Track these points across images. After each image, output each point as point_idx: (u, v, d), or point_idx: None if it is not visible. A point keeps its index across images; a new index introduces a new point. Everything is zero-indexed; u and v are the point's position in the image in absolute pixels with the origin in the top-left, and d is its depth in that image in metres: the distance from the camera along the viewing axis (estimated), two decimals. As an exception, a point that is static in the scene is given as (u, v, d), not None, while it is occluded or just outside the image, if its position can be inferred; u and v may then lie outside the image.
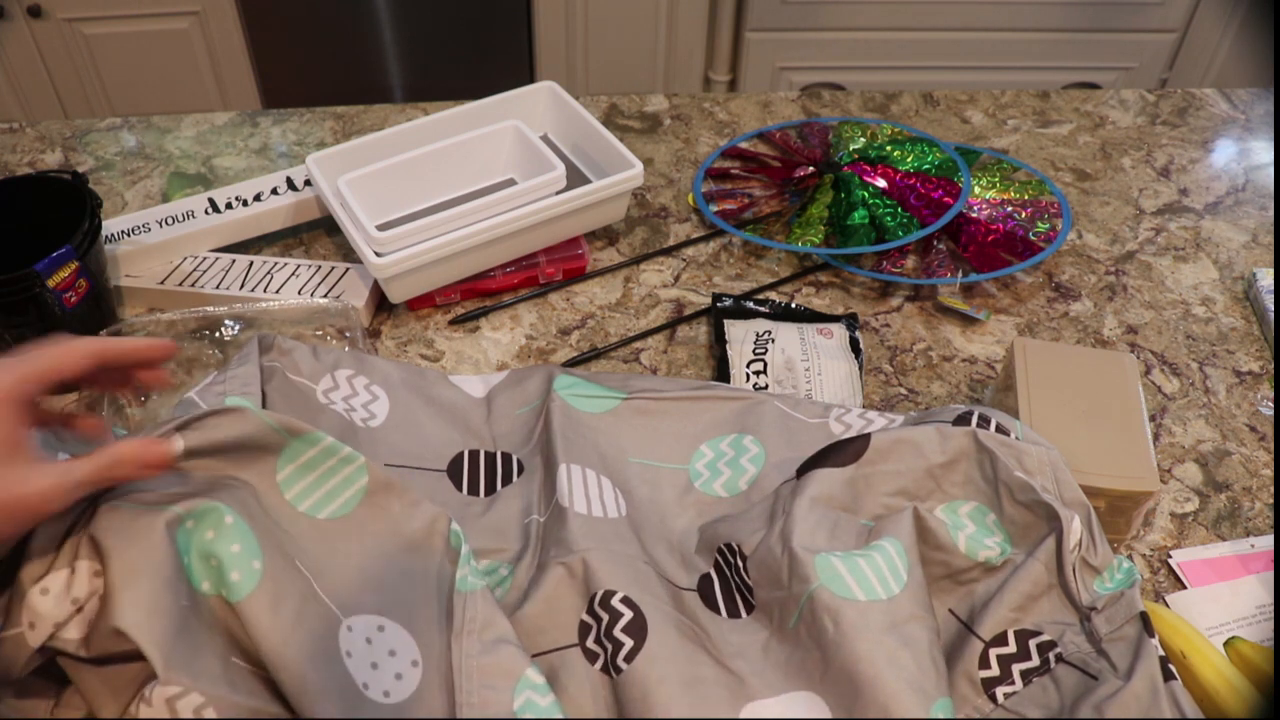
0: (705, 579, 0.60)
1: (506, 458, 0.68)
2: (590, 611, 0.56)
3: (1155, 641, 0.52)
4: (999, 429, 0.61)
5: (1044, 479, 0.58)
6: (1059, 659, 0.54)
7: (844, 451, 0.61)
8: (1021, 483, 0.58)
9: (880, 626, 0.52)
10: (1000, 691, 0.54)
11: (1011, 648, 0.55)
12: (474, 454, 0.68)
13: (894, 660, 0.51)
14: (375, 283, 0.82)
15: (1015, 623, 0.56)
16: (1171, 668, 0.52)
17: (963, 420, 0.62)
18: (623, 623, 0.55)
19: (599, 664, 0.55)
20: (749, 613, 0.58)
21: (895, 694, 0.50)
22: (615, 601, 0.55)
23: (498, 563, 0.61)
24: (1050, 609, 0.56)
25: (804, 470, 0.62)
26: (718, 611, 0.59)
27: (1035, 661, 0.54)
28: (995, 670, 0.55)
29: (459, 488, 0.66)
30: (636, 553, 0.59)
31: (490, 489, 0.66)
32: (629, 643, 0.54)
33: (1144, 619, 0.53)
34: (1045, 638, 0.55)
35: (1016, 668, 0.54)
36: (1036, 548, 0.57)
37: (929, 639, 0.53)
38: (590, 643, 0.56)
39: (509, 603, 0.58)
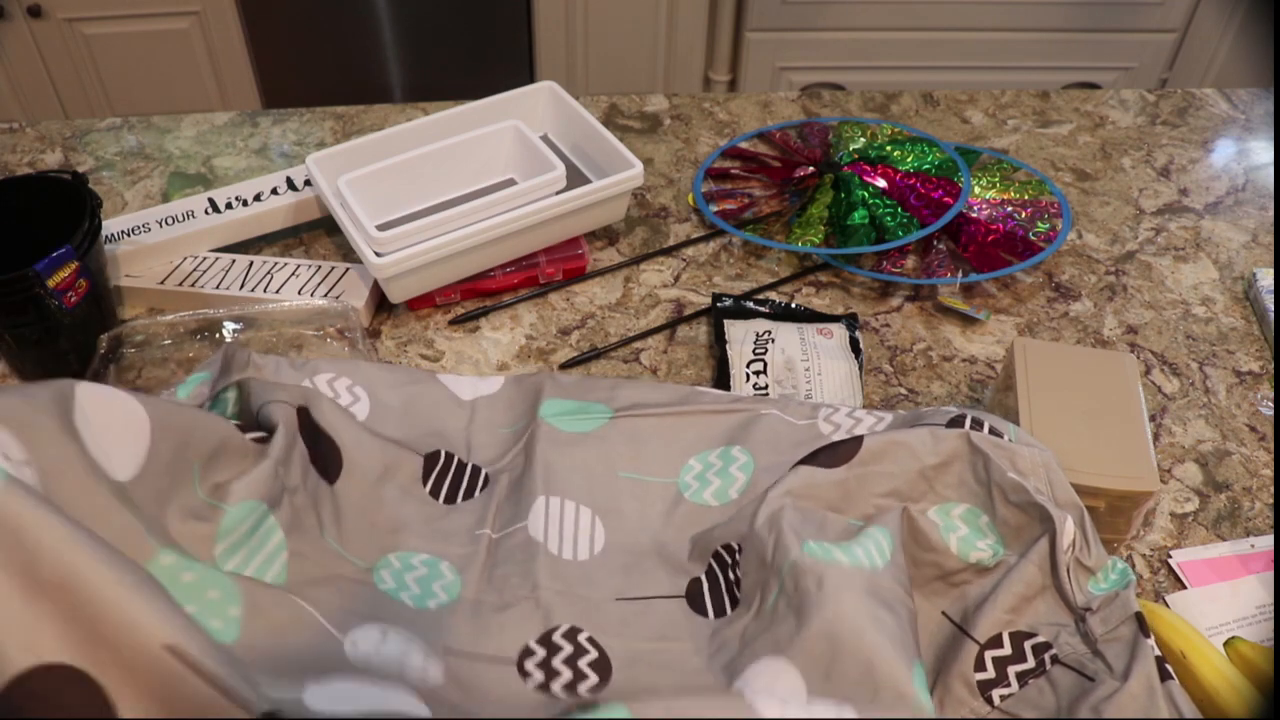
0: (695, 582, 0.60)
1: (475, 471, 0.67)
2: (544, 640, 0.56)
3: (1151, 641, 0.52)
4: (992, 431, 0.61)
5: (1037, 480, 0.58)
6: (1055, 660, 0.54)
7: (836, 453, 0.61)
8: (1014, 484, 0.58)
9: (863, 588, 0.52)
10: (996, 694, 0.54)
11: (1007, 650, 0.55)
12: (449, 457, 0.67)
13: (877, 619, 0.51)
14: (375, 283, 0.82)
15: (1010, 624, 0.56)
16: (1168, 667, 0.52)
17: (956, 423, 0.62)
18: (587, 659, 0.55)
19: (531, 683, 0.54)
20: (734, 607, 0.58)
21: (878, 648, 0.49)
22: (581, 638, 0.55)
23: (437, 559, 0.61)
24: (1045, 610, 0.56)
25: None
26: (704, 614, 0.59)
27: (1031, 663, 0.54)
28: (991, 673, 0.55)
29: (424, 483, 0.66)
30: (605, 595, 0.59)
31: (451, 498, 0.65)
32: (594, 677, 0.54)
33: (1139, 619, 0.53)
34: (1040, 639, 0.55)
35: (1012, 670, 0.54)
36: (1029, 549, 0.57)
37: (908, 614, 0.53)
38: (531, 665, 0.55)
39: (462, 606, 0.58)
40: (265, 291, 0.82)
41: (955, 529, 0.59)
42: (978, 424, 0.61)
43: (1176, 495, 0.72)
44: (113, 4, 1.75)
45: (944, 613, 0.58)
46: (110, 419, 0.50)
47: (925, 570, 0.59)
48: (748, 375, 0.75)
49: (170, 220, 0.86)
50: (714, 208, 0.94)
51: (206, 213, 0.87)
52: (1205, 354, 0.83)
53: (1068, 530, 0.56)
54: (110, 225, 0.85)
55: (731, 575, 0.59)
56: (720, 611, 0.58)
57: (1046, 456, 0.60)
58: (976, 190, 0.95)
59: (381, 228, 0.83)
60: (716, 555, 0.60)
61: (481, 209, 0.80)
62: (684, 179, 0.99)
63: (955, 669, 0.55)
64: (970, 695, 0.54)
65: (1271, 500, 0.71)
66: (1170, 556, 0.67)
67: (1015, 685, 0.54)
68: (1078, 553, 0.56)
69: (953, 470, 0.60)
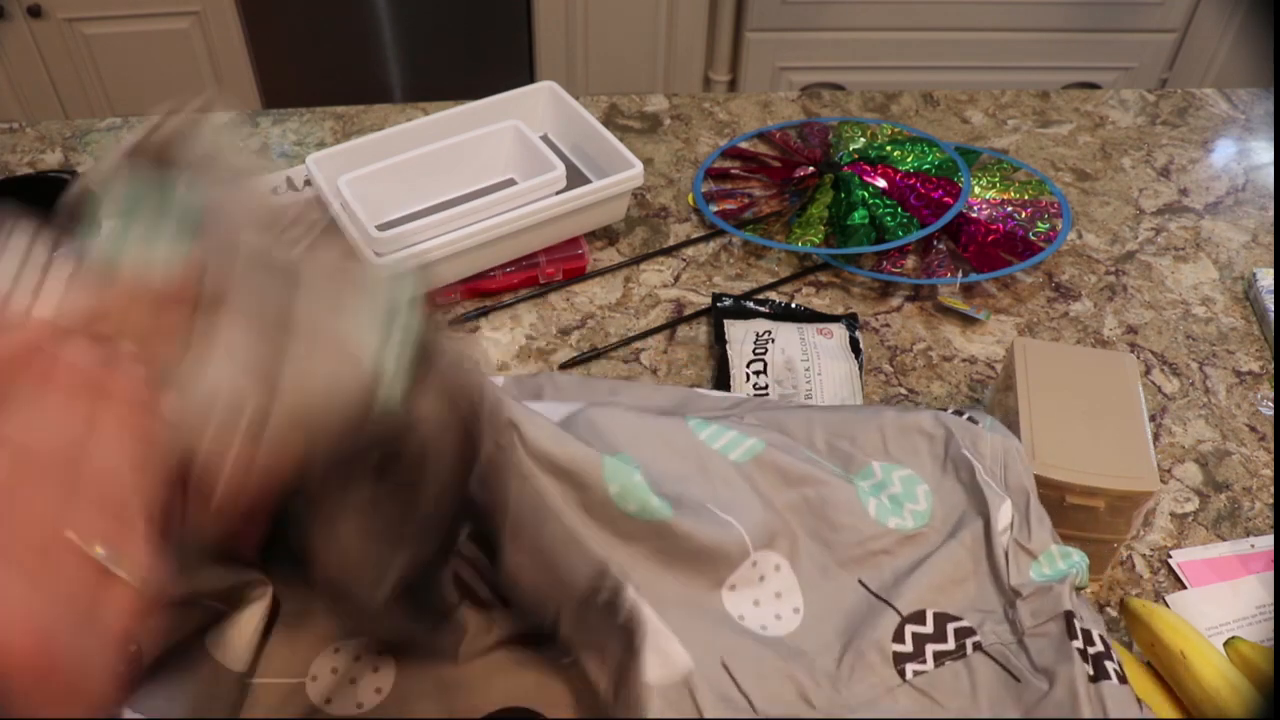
0: None
1: None
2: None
3: (1078, 643, 0.51)
4: (970, 419, 0.61)
5: (994, 463, 0.58)
6: (977, 647, 0.53)
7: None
8: (966, 461, 0.58)
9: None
10: (910, 668, 0.53)
11: (928, 628, 0.54)
12: None
13: None
14: (375, 283, 0.82)
15: (934, 604, 0.55)
16: (1108, 665, 0.50)
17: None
18: None
19: None
20: None
21: None
22: None
23: None
24: (971, 596, 0.55)
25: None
26: None
27: (950, 645, 0.53)
28: (909, 646, 0.53)
29: None
30: None
31: None
32: None
33: (1068, 618, 0.52)
34: (964, 624, 0.54)
35: (930, 648, 0.53)
36: (959, 530, 0.56)
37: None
38: None
39: None
40: (265, 291, 0.82)
41: (880, 491, 0.59)
42: (958, 413, 0.62)
43: (1176, 495, 0.72)
44: (113, 4, 1.75)
45: (860, 580, 0.56)
46: None
47: (843, 535, 0.57)
48: (748, 375, 0.75)
49: (170, 220, 0.86)
50: (714, 208, 0.94)
51: (206, 213, 0.87)
52: (1205, 354, 0.83)
53: (1004, 513, 0.56)
54: (110, 225, 0.85)
55: None
56: None
57: (1010, 443, 0.60)
58: (976, 190, 0.95)
59: (381, 228, 0.83)
60: None
61: (481, 209, 0.80)
62: (684, 179, 0.99)
63: (871, 636, 0.53)
64: (883, 664, 0.53)
65: (1271, 500, 0.71)
66: (1170, 556, 0.67)
67: (931, 664, 0.53)
68: (1016, 534, 0.56)
69: (911, 437, 0.61)
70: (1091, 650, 0.51)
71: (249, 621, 0.50)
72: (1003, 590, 0.55)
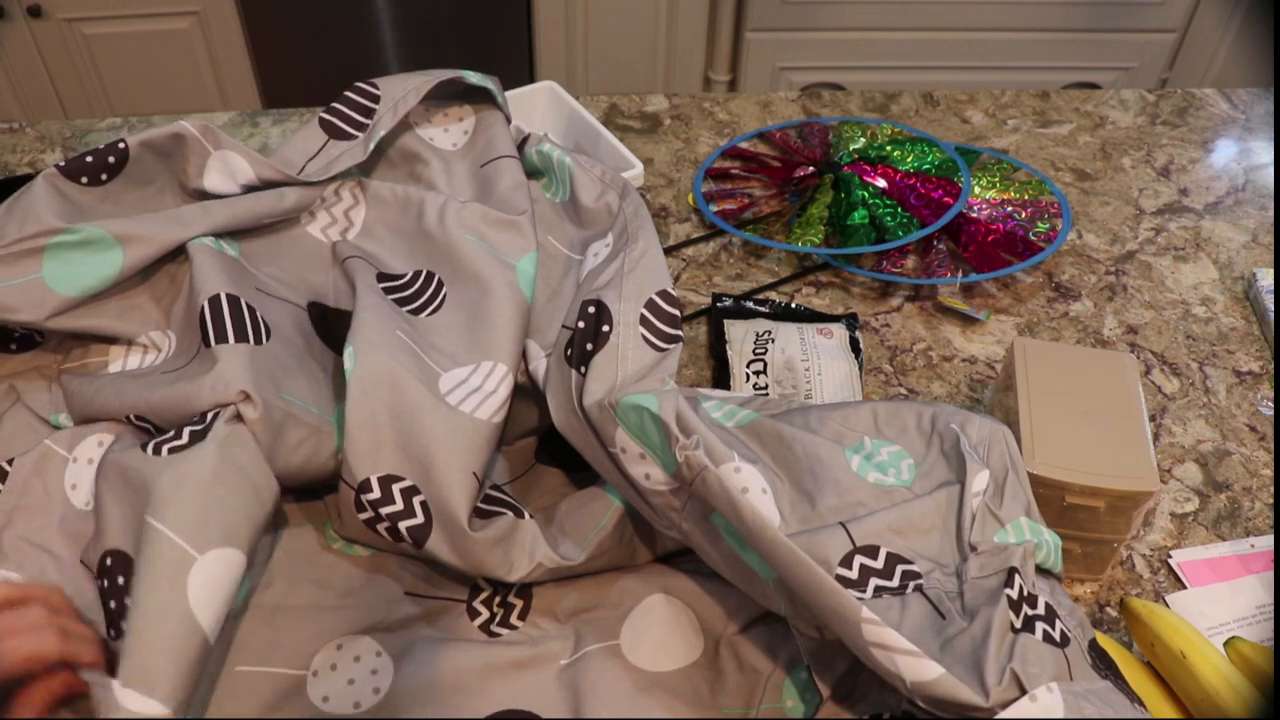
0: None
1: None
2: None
3: (1012, 591, 0.51)
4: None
5: (979, 443, 0.59)
6: (917, 589, 0.54)
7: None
8: (952, 433, 0.59)
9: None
10: (850, 594, 0.53)
11: (878, 564, 0.55)
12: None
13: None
14: (375, 283, 0.82)
15: (891, 544, 0.55)
16: (1040, 626, 0.50)
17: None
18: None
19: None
20: None
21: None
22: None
23: None
24: (929, 546, 0.56)
25: None
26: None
27: (894, 584, 0.54)
28: (854, 574, 0.54)
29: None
30: None
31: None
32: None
33: (1010, 574, 0.53)
34: (913, 568, 0.55)
35: (874, 581, 0.54)
36: (936, 489, 0.57)
37: None
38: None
39: None
40: (265, 291, 0.82)
41: (866, 455, 0.60)
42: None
43: (1176, 495, 0.72)
44: (113, 4, 1.75)
45: (842, 523, 0.58)
46: None
47: (824, 487, 0.59)
48: (748, 375, 0.75)
49: (170, 220, 0.86)
50: (714, 208, 0.94)
51: (206, 213, 0.87)
52: (1205, 354, 0.83)
53: (980, 479, 0.56)
54: (110, 225, 0.85)
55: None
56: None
57: (999, 429, 0.60)
58: (976, 190, 0.95)
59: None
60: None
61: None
62: (684, 179, 0.99)
63: (818, 553, 0.54)
64: None
65: (1271, 500, 0.71)
66: (1170, 556, 0.67)
67: (870, 595, 0.54)
68: (988, 499, 0.56)
69: (900, 416, 0.62)
70: (1030, 611, 0.51)
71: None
72: (961, 548, 0.55)
